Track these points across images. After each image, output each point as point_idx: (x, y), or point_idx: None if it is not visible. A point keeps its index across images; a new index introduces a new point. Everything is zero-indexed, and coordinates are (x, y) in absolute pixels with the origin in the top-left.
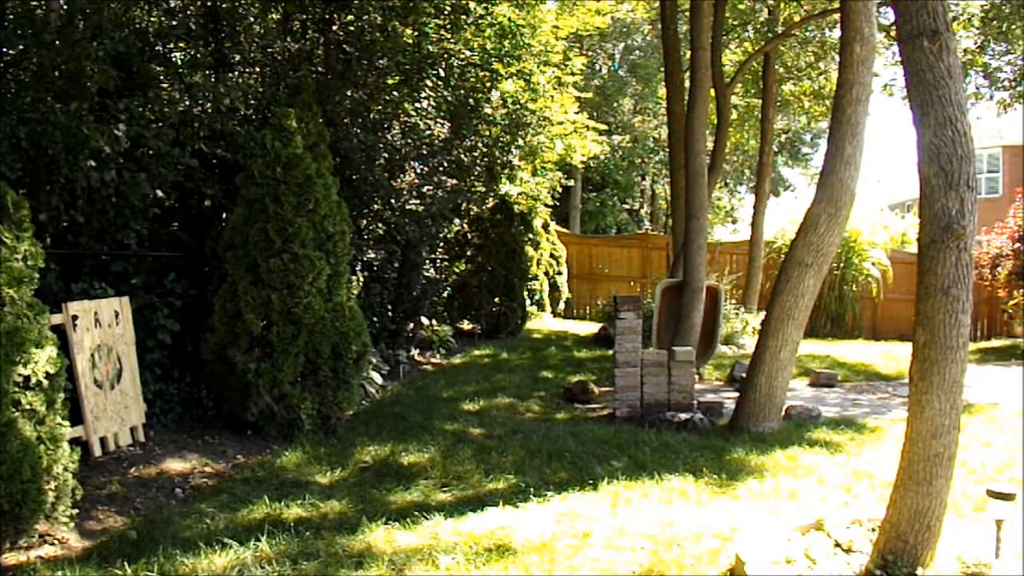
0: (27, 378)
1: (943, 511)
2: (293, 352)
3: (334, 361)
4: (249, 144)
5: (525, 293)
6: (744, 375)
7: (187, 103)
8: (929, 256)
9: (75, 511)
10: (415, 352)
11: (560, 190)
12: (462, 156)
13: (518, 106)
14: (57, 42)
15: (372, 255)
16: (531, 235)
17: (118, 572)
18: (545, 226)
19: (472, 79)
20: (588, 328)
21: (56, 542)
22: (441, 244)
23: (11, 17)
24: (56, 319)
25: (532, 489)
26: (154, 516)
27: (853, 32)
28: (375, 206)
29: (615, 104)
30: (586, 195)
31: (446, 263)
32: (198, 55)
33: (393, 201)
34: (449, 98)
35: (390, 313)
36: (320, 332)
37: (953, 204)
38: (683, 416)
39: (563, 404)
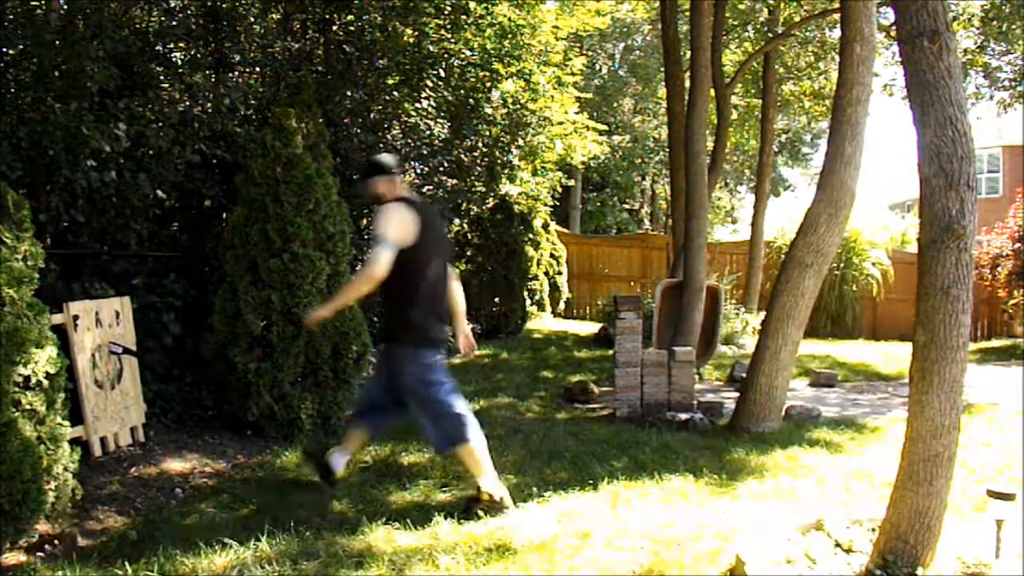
0: (27, 378)
1: (943, 511)
2: (293, 352)
3: (334, 361)
4: (249, 144)
5: (525, 293)
6: (744, 375)
7: (187, 103)
8: (929, 256)
9: (75, 511)
10: None
11: (560, 190)
12: (462, 156)
13: (518, 106)
14: (57, 42)
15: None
16: (531, 235)
17: (118, 572)
18: (545, 226)
19: (472, 79)
20: (588, 328)
21: (56, 542)
22: None
23: (11, 17)
24: (57, 319)
25: (532, 489)
26: (154, 516)
27: (853, 32)
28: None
29: (615, 104)
30: (586, 195)
31: None
32: (198, 55)
33: None
34: (449, 98)
35: None
36: (320, 332)
37: (953, 204)
38: (683, 416)
39: (563, 404)
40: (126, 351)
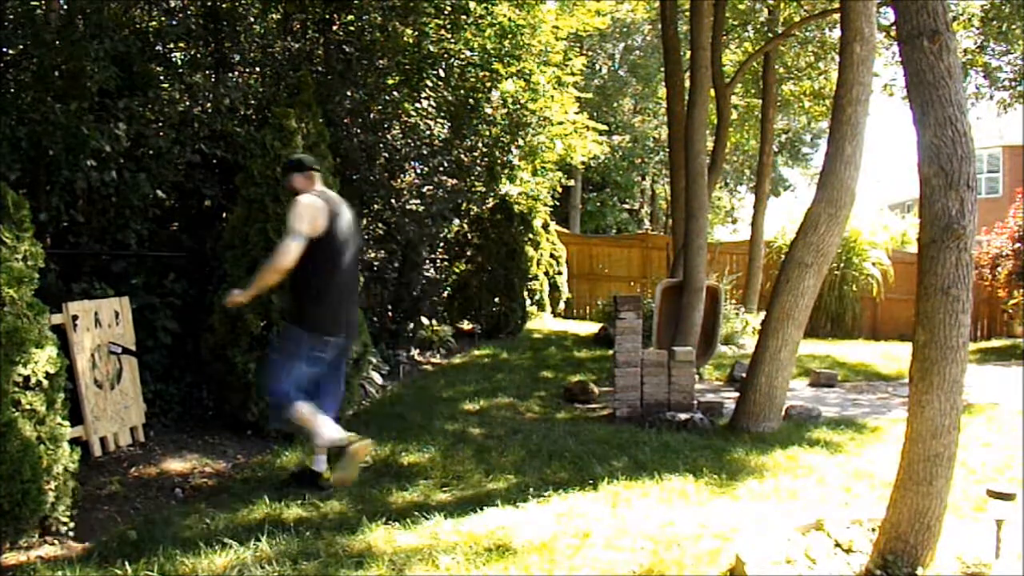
0: (27, 378)
1: (943, 511)
2: None
3: None
4: (249, 144)
5: (525, 293)
6: (744, 375)
7: (187, 103)
8: (929, 256)
9: (75, 511)
10: (415, 352)
11: (560, 190)
12: (462, 156)
13: (518, 106)
14: (57, 42)
15: (372, 255)
16: (531, 235)
17: (118, 572)
18: (545, 226)
19: (472, 79)
20: (588, 328)
21: (56, 542)
22: (441, 244)
23: (11, 17)
24: (56, 319)
25: (532, 489)
26: (154, 516)
27: (853, 32)
28: (375, 206)
29: (615, 104)
30: (586, 195)
31: (446, 263)
32: (198, 55)
33: (393, 201)
34: (449, 98)
35: (390, 313)
36: None
37: (953, 204)
38: (683, 416)
39: (563, 404)
40: (125, 351)
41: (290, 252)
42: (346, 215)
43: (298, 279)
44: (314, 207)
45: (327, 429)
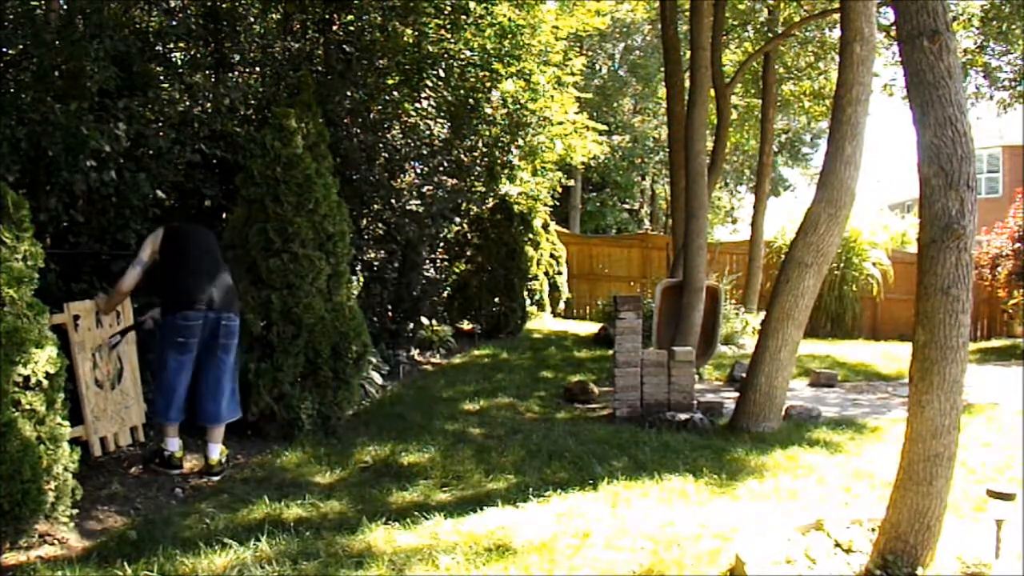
0: (27, 378)
1: (943, 511)
2: (293, 352)
3: (334, 361)
4: (249, 144)
5: (525, 293)
6: (744, 375)
7: (187, 103)
8: (929, 256)
9: (75, 511)
10: (415, 352)
11: (560, 190)
12: (462, 156)
13: (518, 106)
14: (57, 42)
15: (372, 255)
16: (531, 235)
17: (118, 572)
18: (545, 226)
19: (472, 79)
20: (588, 328)
21: (56, 542)
22: (441, 244)
23: (11, 17)
24: (58, 319)
25: (532, 489)
26: (154, 516)
27: (853, 32)
28: (375, 206)
29: (615, 104)
30: (586, 195)
31: (446, 263)
32: (198, 55)
33: (393, 201)
34: (449, 98)
35: (390, 313)
36: (320, 332)
37: (953, 204)
38: (683, 416)
39: (563, 404)
40: (124, 331)
41: (127, 277)
42: (190, 231)
43: (160, 295)
44: (148, 239)
45: (172, 441)
